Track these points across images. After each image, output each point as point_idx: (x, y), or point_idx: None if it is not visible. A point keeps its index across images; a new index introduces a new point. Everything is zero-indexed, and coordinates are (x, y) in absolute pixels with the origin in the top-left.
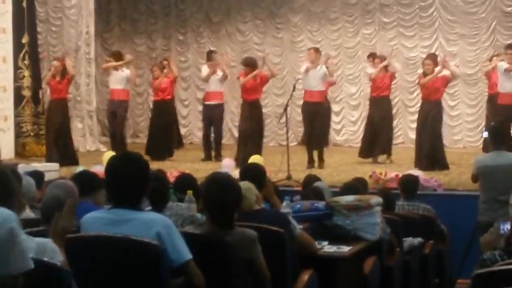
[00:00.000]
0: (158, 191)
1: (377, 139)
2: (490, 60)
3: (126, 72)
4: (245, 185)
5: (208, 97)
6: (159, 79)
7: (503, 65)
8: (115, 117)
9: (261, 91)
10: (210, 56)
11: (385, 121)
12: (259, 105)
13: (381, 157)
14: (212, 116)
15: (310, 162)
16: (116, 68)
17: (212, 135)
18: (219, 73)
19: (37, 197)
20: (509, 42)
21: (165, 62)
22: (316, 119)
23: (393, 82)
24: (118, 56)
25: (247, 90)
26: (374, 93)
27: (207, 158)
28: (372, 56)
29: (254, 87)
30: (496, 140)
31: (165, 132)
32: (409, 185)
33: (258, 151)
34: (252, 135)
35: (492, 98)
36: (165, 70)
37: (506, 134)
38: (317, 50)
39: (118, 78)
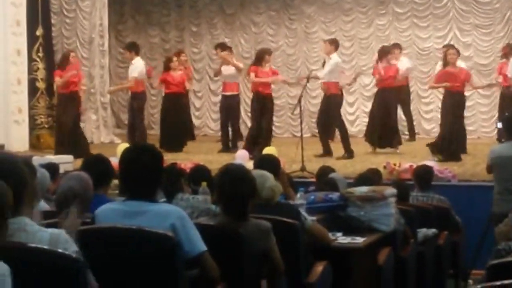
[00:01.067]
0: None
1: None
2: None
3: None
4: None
5: (225, 88)
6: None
7: None
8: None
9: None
10: (223, 47)
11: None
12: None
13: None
14: (229, 107)
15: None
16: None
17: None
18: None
19: (51, 189)
20: None
21: (183, 57)
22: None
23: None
24: (135, 47)
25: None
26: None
27: (225, 149)
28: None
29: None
30: (510, 130)
31: (177, 125)
32: (424, 176)
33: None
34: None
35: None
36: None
37: None
38: (332, 41)
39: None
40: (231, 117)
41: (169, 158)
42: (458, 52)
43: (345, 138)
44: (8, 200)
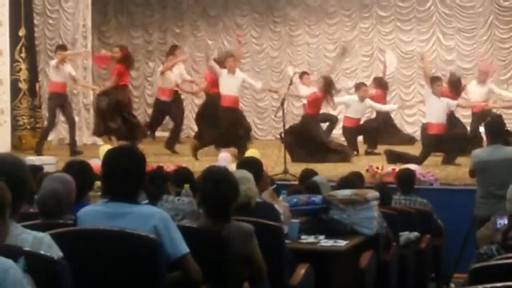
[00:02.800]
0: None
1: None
2: None
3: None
4: (245, 174)
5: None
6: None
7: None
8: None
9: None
10: (173, 50)
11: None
12: None
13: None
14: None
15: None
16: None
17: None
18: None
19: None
20: (506, 36)
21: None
22: None
23: (390, 76)
24: (64, 49)
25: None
26: None
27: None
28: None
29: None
30: (493, 134)
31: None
32: (406, 179)
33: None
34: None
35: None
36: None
37: (502, 128)
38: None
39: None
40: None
41: (151, 160)
42: None
43: None
44: (7, 198)
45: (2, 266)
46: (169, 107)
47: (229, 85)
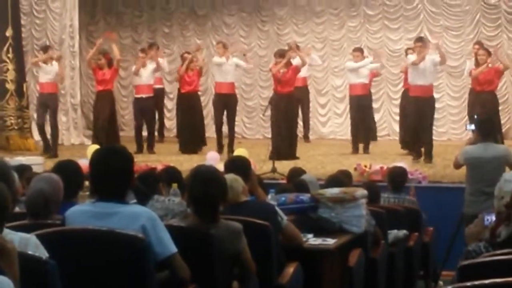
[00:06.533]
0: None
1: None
2: (406, 54)
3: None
4: (231, 176)
5: (138, 91)
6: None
7: (411, 57)
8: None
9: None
10: (150, 48)
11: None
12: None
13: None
14: (143, 109)
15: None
16: (45, 61)
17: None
18: (150, 66)
19: (20, 190)
20: (492, 34)
21: (186, 55)
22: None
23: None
24: (46, 50)
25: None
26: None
27: (139, 150)
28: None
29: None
30: (484, 132)
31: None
32: (398, 177)
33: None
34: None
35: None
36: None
37: (493, 126)
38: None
39: (47, 71)
40: (145, 119)
41: (139, 159)
42: (488, 51)
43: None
44: (8, 203)
45: (23, 236)
46: (144, 105)
47: None
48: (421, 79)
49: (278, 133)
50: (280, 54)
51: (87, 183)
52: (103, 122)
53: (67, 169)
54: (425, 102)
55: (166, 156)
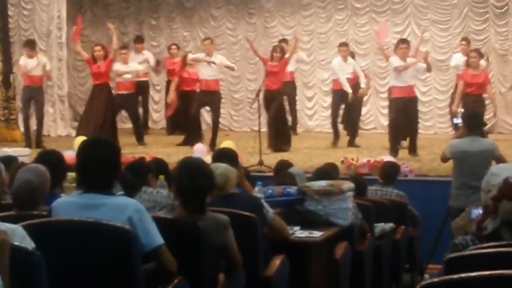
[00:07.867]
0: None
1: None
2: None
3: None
4: (226, 166)
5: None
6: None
7: (393, 60)
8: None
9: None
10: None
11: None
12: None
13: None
14: (124, 105)
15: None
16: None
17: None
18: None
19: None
20: (480, 28)
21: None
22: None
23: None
24: (32, 45)
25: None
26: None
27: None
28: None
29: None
30: (470, 126)
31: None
32: (391, 171)
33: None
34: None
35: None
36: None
37: (480, 120)
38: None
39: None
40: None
41: (125, 151)
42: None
43: None
44: None
45: (10, 227)
46: (125, 100)
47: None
48: (401, 81)
49: (275, 128)
50: (281, 50)
51: (73, 174)
52: (97, 120)
53: (50, 159)
54: (407, 103)
55: (153, 147)
